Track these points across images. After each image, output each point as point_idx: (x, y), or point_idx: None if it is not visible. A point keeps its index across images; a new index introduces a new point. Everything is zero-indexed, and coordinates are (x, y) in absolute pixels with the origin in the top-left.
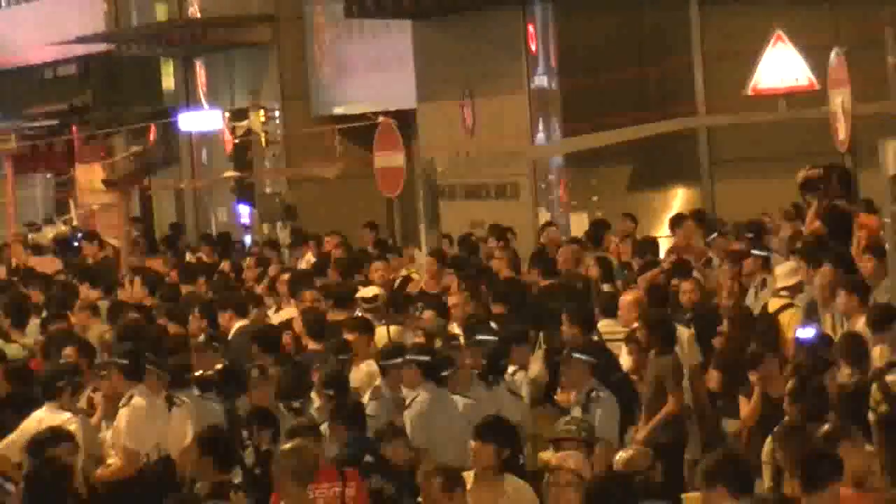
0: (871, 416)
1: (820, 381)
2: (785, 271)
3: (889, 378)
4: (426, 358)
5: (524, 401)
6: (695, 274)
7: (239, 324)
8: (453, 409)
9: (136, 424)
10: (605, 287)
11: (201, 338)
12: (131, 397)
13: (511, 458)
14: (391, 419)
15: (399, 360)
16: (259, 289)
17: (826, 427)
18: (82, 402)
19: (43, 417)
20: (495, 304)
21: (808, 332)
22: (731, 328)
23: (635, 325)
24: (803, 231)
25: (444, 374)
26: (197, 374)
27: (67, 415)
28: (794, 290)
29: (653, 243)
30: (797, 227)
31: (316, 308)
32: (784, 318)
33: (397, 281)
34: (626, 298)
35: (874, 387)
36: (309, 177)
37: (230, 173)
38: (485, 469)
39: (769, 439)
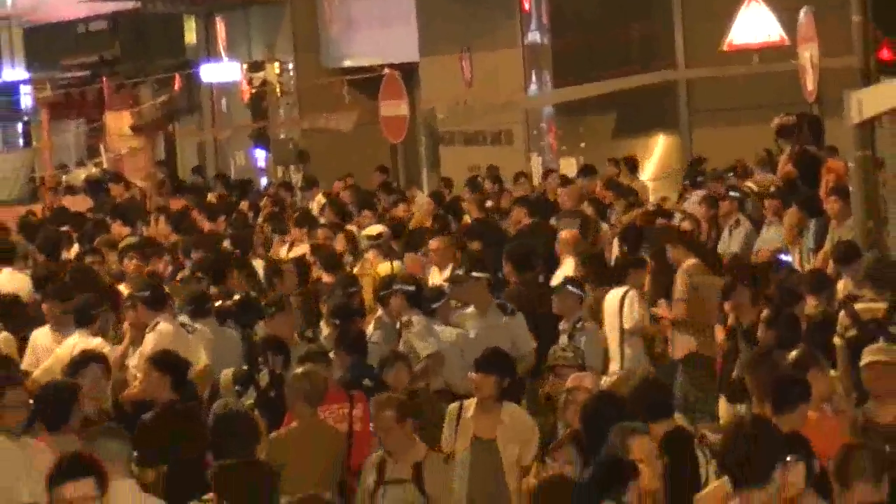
0: (837, 341)
1: (792, 311)
2: None
3: (858, 306)
4: (411, 288)
5: None
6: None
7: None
8: (440, 338)
9: (162, 347)
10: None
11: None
12: (157, 324)
13: (512, 386)
14: (392, 346)
15: (390, 290)
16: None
17: (795, 354)
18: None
19: (77, 343)
20: (471, 242)
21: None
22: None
23: None
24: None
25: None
26: (217, 304)
27: (99, 340)
28: None
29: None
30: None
31: (328, 244)
32: None
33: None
34: (562, 236)
35: (842, 313)
36: (321, 131)
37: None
38: (485, 399)
39: None
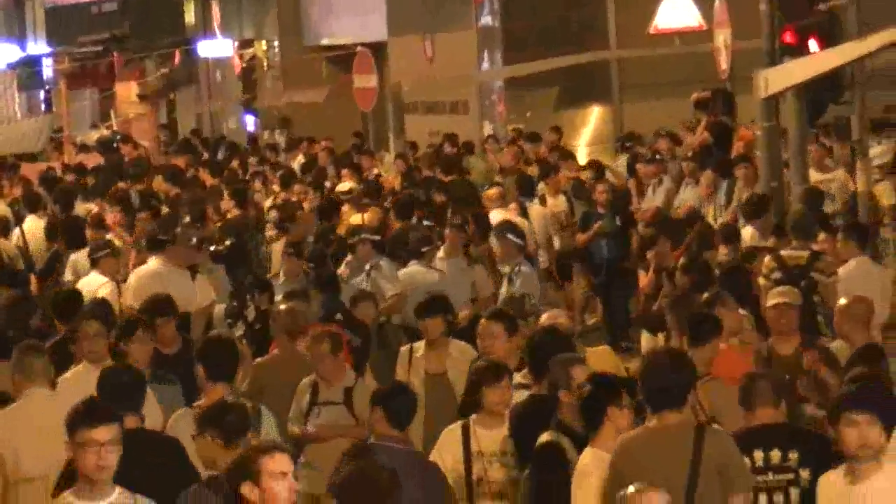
0: (762, 281)
1: (704, 258)
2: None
3: (784, 253)
4: (377, 237)
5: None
6: (607, 175)
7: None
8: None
9: (141, 284)
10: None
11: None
12: (143, 263)
13: (452, 324)
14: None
15: (357, 238)
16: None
17: (707, 295)
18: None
19: (90, 281)
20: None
21: None
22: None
23: None
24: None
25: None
26: (212, 248)
27: (105, 279)
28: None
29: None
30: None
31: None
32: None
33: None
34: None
35: (767, 258)
36: (302, 100)
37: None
38: (433, 339)
39: None
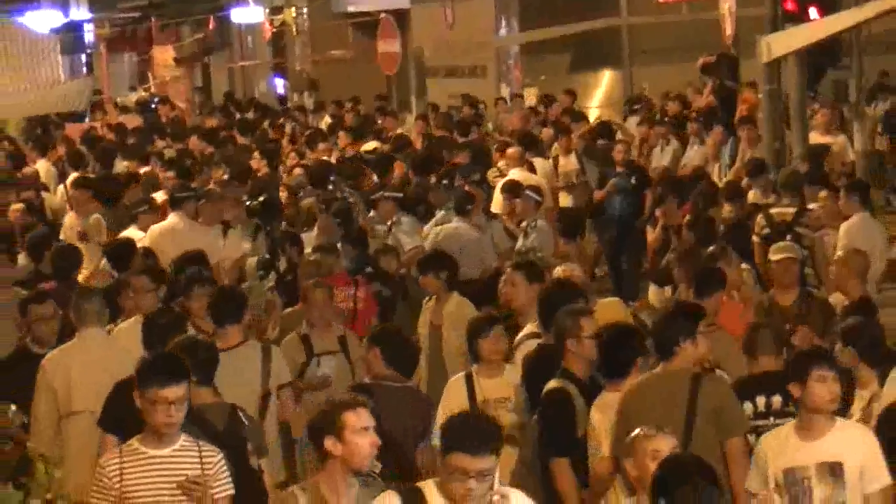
0: (755, 239)
1: (709, 215)
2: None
3: (773, 210)
4: (399, 194)
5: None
6: (618, 135)
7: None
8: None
9: (153, 240)
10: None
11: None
12: (165, 218)
13: (453, 278)
14: (385, 240)
15: (379, 195)
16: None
17: (711, 250)
18: None
19: (129, 233)
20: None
21: None
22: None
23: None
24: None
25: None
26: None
27: (142, 234)
28: None
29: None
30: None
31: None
32: None
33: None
34: (509, 152)
35: (759, 216)
36: (329, 64)
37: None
38: (433, 293)
39: None
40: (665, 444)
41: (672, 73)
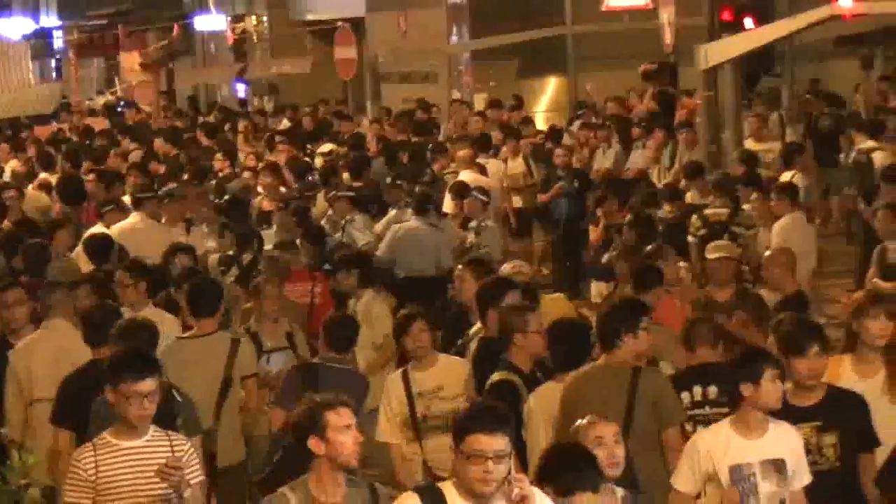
0: (690, 239)
1: (648, 214)
2: None
3: (707, 211)
4: (351, 193)
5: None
6: (565, 139)
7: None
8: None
9: (115, 235)
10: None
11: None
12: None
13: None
14: (340, 238)
15: (333, 194)
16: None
17: (651, 248)
18: None
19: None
20: None
21: None
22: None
23: None
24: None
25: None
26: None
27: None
28: None
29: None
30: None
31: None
32: None
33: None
34: (459, 154)
35: (694, 216)
36: (288, 70)
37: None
38: (348, 289)
39: None
40: (607, 431)
41: (614, 79)
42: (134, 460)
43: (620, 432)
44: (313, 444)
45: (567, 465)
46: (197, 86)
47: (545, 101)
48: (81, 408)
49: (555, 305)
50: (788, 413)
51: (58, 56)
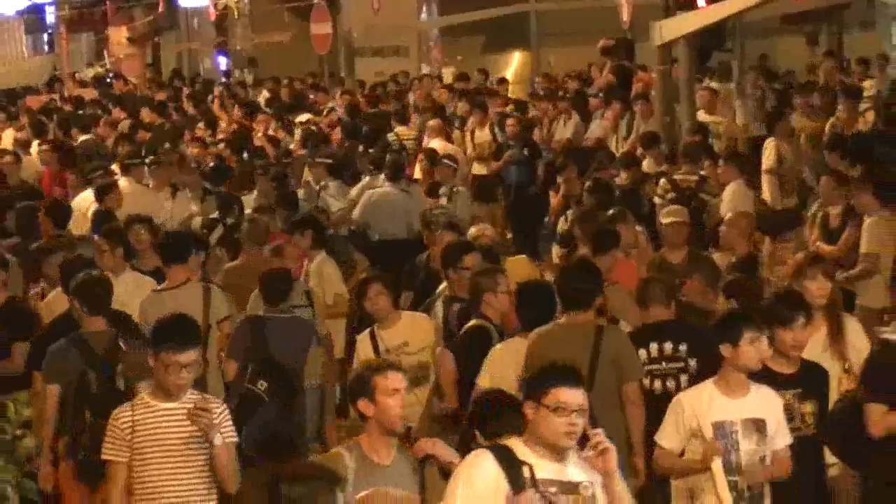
0: (657, 201)
1: (606, 182)
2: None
3: (676, 176)
4: (329, 161)
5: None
6: (531, 112)
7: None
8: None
9: None
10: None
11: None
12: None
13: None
14: (315, 202)
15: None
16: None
17: (610, 213)
18: None
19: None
20: None
21: None
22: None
23: None
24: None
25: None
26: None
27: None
28: None
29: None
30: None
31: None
32: None
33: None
34: (430, 124)
35: (662, 180)
36: (267, 43)
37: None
38: (303, 251)
39: None
40: None
41: (575, 54)
42: (169, 421)
43: (584, 387)
44: (363, 406)
45: (493, 412)
46: (181, 59)
47: (510, 74)
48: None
49: (518, 266)
50: (771, 379)
51: (50, 31)
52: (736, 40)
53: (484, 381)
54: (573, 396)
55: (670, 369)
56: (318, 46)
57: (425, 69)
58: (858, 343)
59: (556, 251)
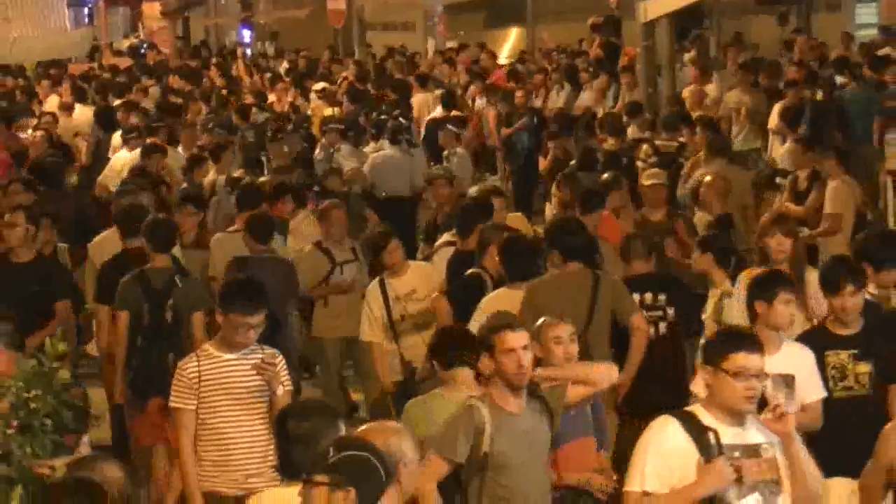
0: (641, 164)
1: (590, 145)
2: None
3: (658, 142)
4: (342, 126)
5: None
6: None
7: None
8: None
9: (136, 158)
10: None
11: None
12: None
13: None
14: (329, 163)
15: (327, 126)
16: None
17: (605, 176)
18: None
19: (120, 156)
20: None
21: None
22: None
23: None
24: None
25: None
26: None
27: (130, 155)
28: None
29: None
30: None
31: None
32: None
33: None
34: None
35: (645, 146)
36: (288, 18)
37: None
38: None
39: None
40: (564, 331)
41: (567, 30)
42: (232, 371)
43: (582, 329)
44: (484, 363)
45: (449, 344)
46: (208, 31)
47: (507, 48)
48: (114, 288)
49: (515, 223)
50: (828, 340)
51: (89, 4)
52: (713, 19)
53: (474, 326)
54: (753, 360)
55: (651, 317)
56: (333, 21)
57: (430, 43)
58: (819, 294)
59: (548, 208)
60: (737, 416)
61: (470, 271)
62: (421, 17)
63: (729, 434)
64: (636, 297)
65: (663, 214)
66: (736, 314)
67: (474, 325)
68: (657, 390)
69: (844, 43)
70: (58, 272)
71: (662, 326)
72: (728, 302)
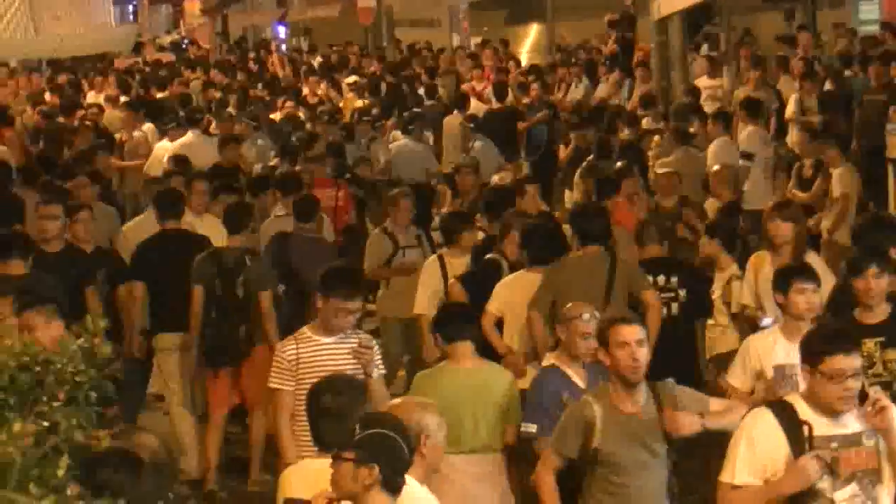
0: (651, 153)
1: (608, 137)
2: None
3: (667, 133)
4: (369, 117)
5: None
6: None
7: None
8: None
9: (176, 147)
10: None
11: None
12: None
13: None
14: (362, 153)
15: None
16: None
17: (618, 165)
18: None
19: (162, 145)
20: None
21: None
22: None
23: None
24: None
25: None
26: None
27: (170, 144)
28: None
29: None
30: None
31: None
32: None
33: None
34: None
35: (657, 137)
36: (321, 15)
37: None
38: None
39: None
40: (586, 310)
41: (584, 27)
42: (328, 354)
43: (600, 306)
44: (601, 355)
45: (450, 318)
46: (246, 28)
47: (528, 43)
48: (148, 266)
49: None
50: (855, 329)
51: (133, 2)
52: (723, 16)
53: (492, 307)
54: (848, 362)
55: (663, 298)
56: (362, 18)
57: (455, 39)
58: (822, 276)
59: (567, 196)
60: (835, 413)
61: (487, 256)
62: (446, 14)
63: (826, 425)
64: (649, 279)
65: (675, 201)
66: (746, 295)
67: (492, 307)
68: (668, 369)
69: (847, 38)
70: (116, 259)
71: (674, 307)
72: (737, 284)
